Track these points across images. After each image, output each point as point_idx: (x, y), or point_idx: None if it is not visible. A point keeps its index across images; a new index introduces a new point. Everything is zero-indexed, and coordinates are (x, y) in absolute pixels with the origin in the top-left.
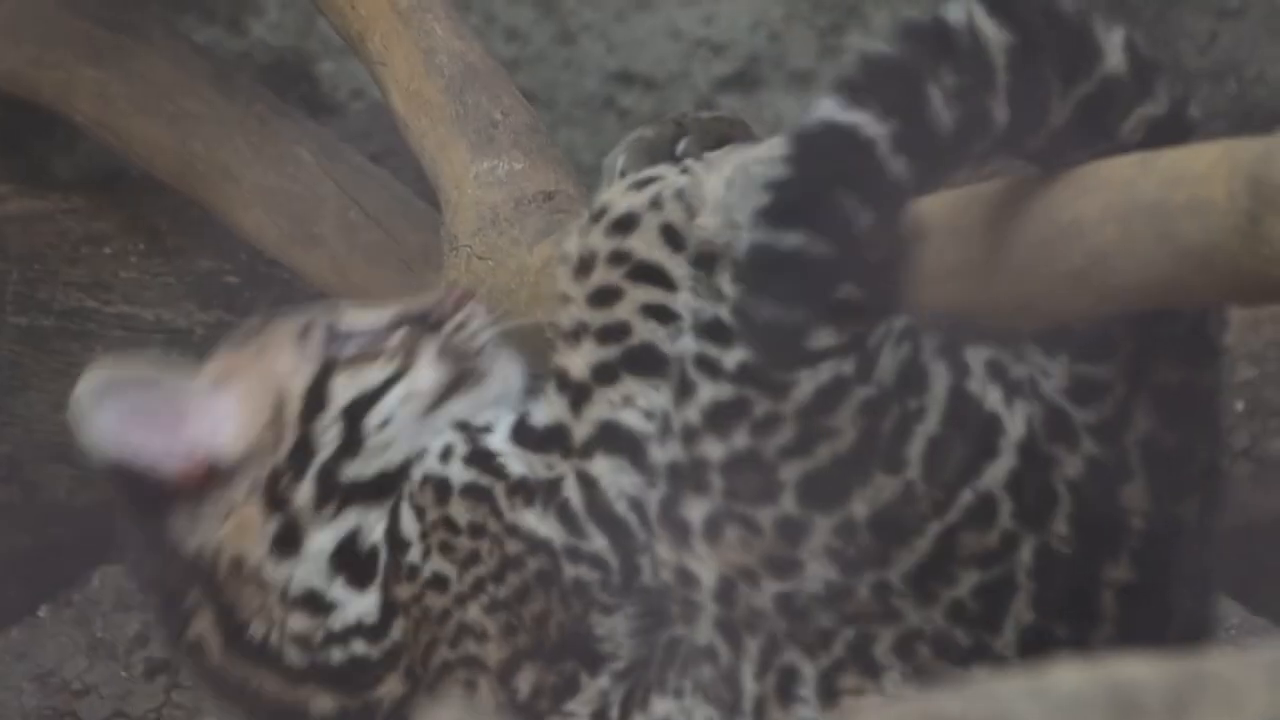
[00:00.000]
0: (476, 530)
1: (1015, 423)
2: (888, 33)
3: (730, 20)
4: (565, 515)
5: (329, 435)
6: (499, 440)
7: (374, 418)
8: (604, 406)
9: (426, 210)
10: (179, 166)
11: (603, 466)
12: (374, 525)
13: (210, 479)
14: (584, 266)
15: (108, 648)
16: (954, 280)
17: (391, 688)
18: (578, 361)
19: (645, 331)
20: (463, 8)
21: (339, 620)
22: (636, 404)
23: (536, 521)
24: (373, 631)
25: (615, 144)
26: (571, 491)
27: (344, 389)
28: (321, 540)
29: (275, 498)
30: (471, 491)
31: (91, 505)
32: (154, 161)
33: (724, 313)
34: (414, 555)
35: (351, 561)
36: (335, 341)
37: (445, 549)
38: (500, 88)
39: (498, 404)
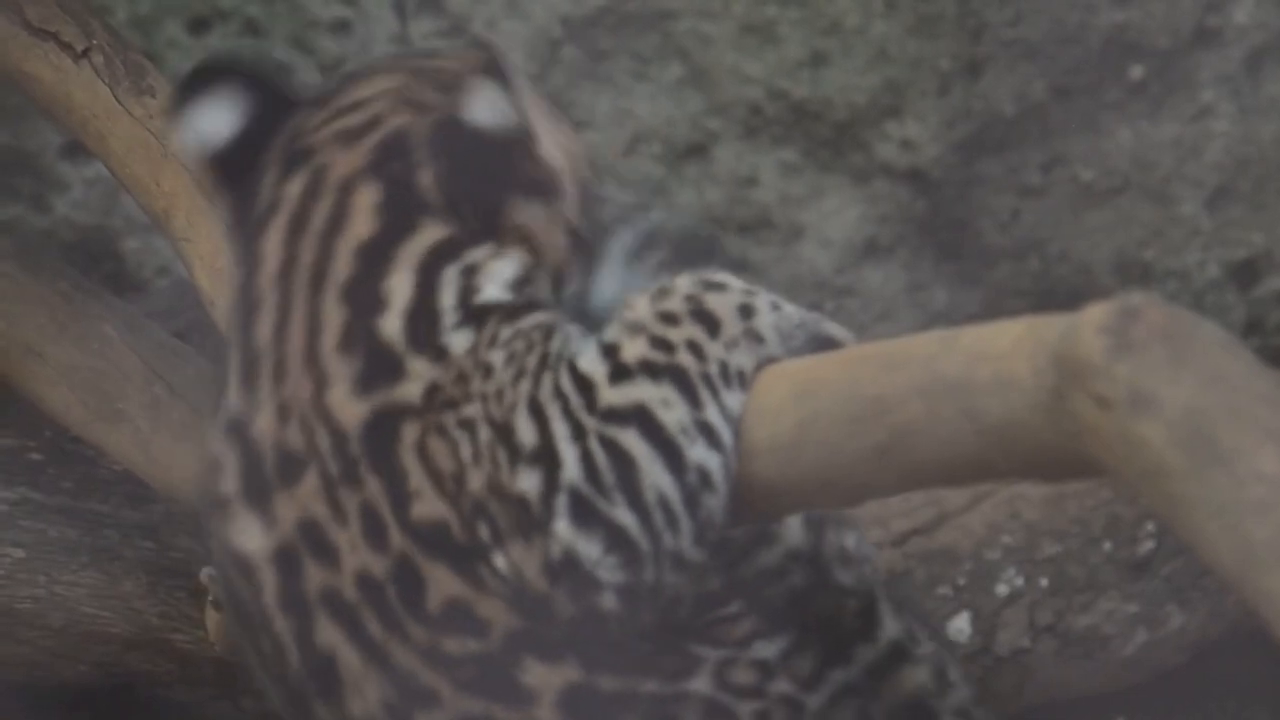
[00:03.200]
0: (537, 372)
1: None
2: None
3: None
4: (590, 467)
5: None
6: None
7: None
8: (644, 392)
9: None
10: None
11: (638, 449)
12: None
13: (550, 187)
14: (663, 293)
15: None
16: (762, 456)
17: (416, 380)
18: (631, 348)
19: (686, 359)
20: None
21: (489, 285)
22: (673, 411)
23: (561, 435)
24: (468, 311)
25: None
26: (598, 453)
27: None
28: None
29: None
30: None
31: None
32: None
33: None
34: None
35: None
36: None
37: (511, 358)
38: None
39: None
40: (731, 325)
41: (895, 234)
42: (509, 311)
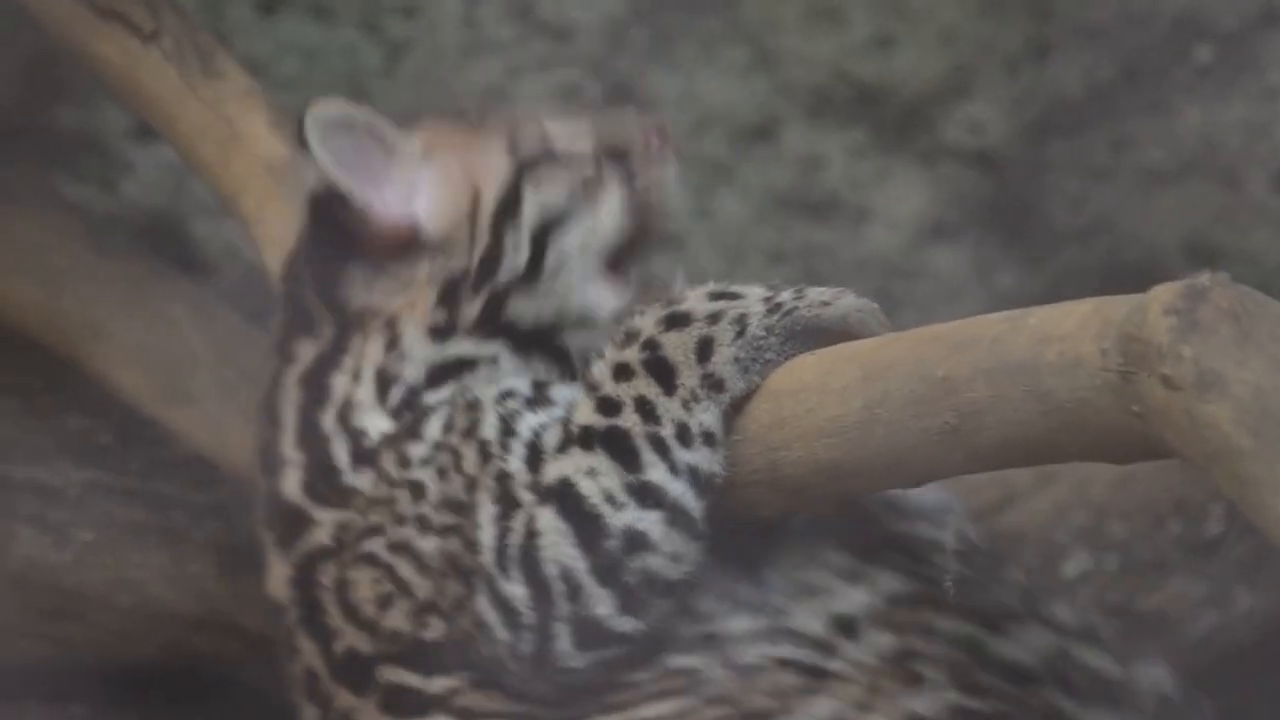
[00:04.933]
0: (471, 483)
1: None
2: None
3: None
4: (500, 549)
5: (518, 256)
6: (533, 420)
7: (553, 256)
8: (571, 464)
9: None
10: (51, 325)
11: (548, 524)
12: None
13: (405, 246)
14: (629, 338)
15: None
16: (828, 437)
17: (324, 525)
18: (580, 413)
19: (631, 420)
20: None
21: (370, 420)
22: (599, 480)
23: (486, 520)
24: (362, 455)
25: None
26: (517, 530)
27: (532, 203)
28: (458, 349)
29: (451, 296)
30: (489, 448)
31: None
32: (25, 320)
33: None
34: (425, 446)
35: (436, 375)
36: (538, 152)
37: (443, 473)
38: None
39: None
40: (688, 374)
41: (962, 216)
42: (406, 432)
